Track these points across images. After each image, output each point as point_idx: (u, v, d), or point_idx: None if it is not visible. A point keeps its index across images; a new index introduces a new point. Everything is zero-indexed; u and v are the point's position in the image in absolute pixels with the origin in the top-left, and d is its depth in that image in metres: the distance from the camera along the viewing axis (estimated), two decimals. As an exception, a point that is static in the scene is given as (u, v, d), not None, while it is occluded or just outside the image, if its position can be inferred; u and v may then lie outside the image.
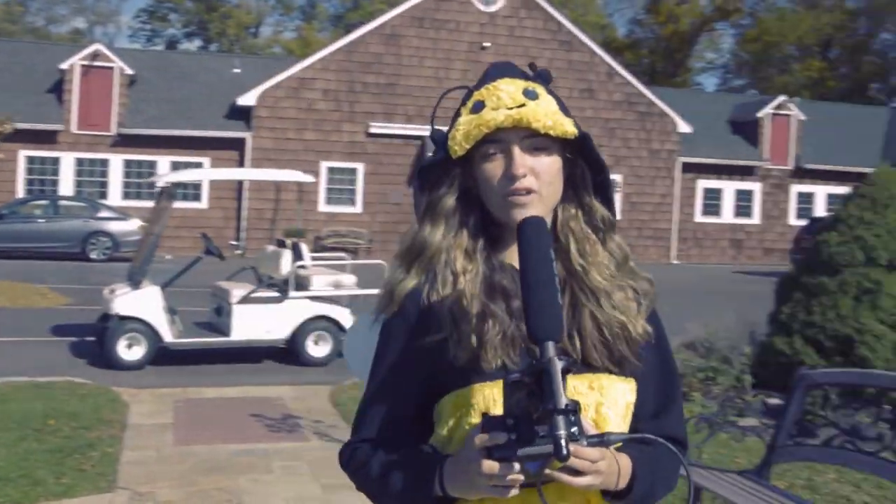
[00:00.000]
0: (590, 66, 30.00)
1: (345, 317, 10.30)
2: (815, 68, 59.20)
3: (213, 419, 7.37)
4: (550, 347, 1.36)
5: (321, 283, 10.45)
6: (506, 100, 1.57)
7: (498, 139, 1.57)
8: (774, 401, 7.49)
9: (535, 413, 1.33)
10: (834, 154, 34.02)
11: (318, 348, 10.20)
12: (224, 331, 10.02)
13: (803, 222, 30.01)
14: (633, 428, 1.61)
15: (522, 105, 1.56)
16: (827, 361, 7.54)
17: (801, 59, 60.80)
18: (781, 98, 34.48)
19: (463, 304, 1.57)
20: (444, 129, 1.68)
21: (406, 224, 28.68)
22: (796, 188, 33.68)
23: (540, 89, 1.62)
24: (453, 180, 1.63)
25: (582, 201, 1.65)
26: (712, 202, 32.73)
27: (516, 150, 1.57)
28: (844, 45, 62.22)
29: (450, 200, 1.63)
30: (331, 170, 28.18)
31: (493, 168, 1.59)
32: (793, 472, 5.91)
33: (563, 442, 1.30)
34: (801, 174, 33.53)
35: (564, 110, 1.62)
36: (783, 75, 59.77)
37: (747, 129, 33.28)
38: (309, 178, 12.16)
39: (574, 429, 1.32)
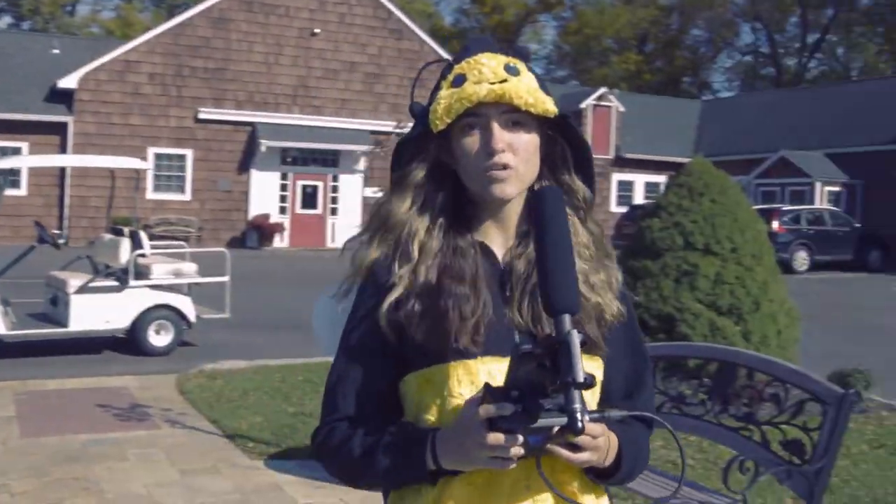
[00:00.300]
0: (420, 56, 30.31)
1: (186, 305, 10.25)
2: (632, 61, 61.94)
3: (59, 410, 7.27)
4: (567, 320, 1.33)
5: (161, 271, 10.36)
6: (487, 74, 1.55)
7: (478, 114, 1.55)
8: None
9: (549, 386, 1.31)
10: (651, 144, 35.82)
11: (159, 337, 10.11)
12: (62, 321, 9.79)
13: (624, 209, 31.47)
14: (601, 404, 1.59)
15: (504, 80, 1.54)
16: (652, 339, 8.11)
17: (620, 52, 63.45)
18: (602, 90, 36.01)
19: (421, 282, 1.56)
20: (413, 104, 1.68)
21: (237, 211, 28.39)
22: (617, 176, 35.28)
23: (521, 65, 1.59)
24: (427, 154, 1.61)
25: (560, 179, 1.64)
26: (538, 189, 33.82)
27: (495, 126, 1.55)
28: (659, 40, 65.39)
29: (420, 173, 1.61)
30: (158, 156, 27.50)
31: (472, 142, 1.57)
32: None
33: (578, 416, 1.29)
34: (622, 163, 35.16)
35: (544, 88, 1.60)
36: (603, 67, 62.22)
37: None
38: (146, 165, 12.00)
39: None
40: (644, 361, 1.70)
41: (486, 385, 1.39)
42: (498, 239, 1.63)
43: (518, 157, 1.56)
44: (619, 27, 61.32)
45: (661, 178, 36.01)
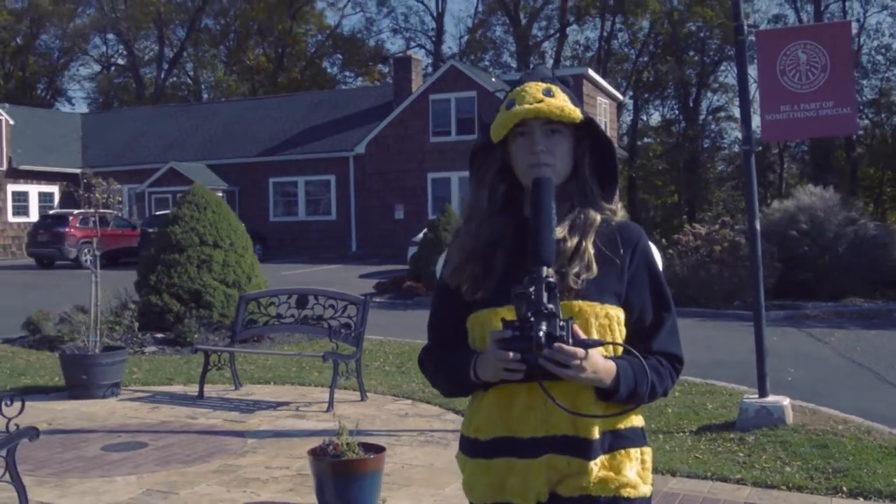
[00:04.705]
0: None
1: None
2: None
3: None
4: (543, 269, 1.82)
5: None
6: (528, 98, 2.07)
7: (524, 125, 2.08)
8: (160, 335, 11.83)
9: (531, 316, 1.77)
10: (41, 156, 37.71)
11: None
12: None
13: (25, 219, 33.21)
14: (631, 343, 2.04)
15: (541, 101, 2.05)
16: (185, 307, 12.13)
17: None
18: (-9, 103, 36.91)
19: (465, 252, 2.16)
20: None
21: None
22: (12, 188, 36.54)
23: (556, 88, 2.10)
24: (494, 159, 2.18)
25: (579, 173, 2.15)
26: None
27: (537, 133, 2.08)
28: (9, 46, 64.70)
29: (489, 174, 2.18)
30: None
31: (521, 145, 2.10)
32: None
33: (540, 335, 1.75)
34: (16, 175, 36.52)
35: (575, 103, 2.10)
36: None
37: (-39, 133, 35.09)
38: None
39: (558, 330, 1.79)
40: (666, 309, 2.16)
41: (502, 319, 1.92)
42: None
43: (554, 156, 2.10)
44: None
45: (54, 189, 38.28)
